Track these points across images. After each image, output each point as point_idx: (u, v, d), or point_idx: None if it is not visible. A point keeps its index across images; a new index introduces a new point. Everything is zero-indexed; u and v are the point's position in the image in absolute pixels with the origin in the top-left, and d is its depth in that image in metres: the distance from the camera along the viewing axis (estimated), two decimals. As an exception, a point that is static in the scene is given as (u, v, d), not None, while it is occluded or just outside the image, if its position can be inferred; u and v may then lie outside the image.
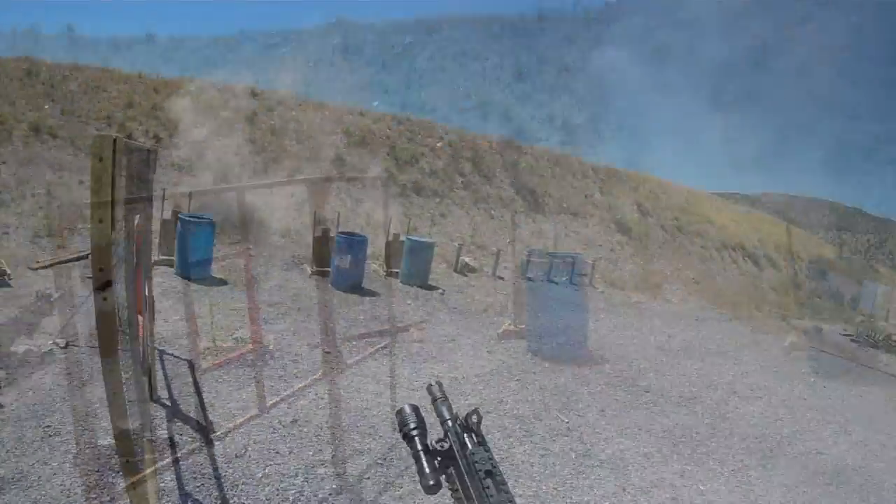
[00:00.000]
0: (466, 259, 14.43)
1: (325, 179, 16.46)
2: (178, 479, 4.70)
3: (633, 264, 18.93)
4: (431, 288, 12.14)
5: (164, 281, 10.00)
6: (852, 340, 17.15)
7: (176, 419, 5.63)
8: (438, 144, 19.73)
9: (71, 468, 4.66)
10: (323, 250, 11.70)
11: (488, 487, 0.79)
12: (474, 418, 0.90)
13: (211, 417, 5.72)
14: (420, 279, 12.25)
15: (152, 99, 16.52)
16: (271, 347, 7.59)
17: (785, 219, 33.14)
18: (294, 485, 4.72)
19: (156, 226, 11.14)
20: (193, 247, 10.37)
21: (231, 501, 4.48)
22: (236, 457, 5.06)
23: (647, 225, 21.60)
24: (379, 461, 5.22)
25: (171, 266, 10.61)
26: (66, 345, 6.41)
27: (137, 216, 4.52)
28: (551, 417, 6.67)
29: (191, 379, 6.49)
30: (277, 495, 4.58)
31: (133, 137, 13.55)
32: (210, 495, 4.54)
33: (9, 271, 8.70)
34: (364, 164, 17.51)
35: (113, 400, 2.00)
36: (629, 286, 16.96)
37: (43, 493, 4.31)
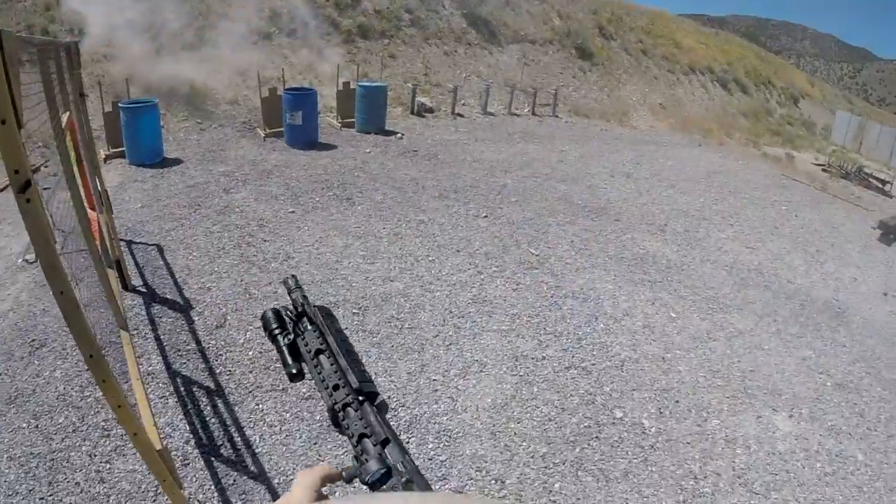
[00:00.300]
0: (422, 100, 13.96)
1: (265, 37, 15.81)
2: (165, 358, 4.86)
3: (597, 91, 18.36)
4: (389, 133, 11.90)
5: (120, 172, 9.84)
6: (824, 170, 17.02)
7: (154, 303, 5.72)
8: (378, -19, 18.63)
9: (62, 375, 4.79)
10: (272, 111, 11.41)
11: (317, 364, 0.88)
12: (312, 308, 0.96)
13: (186, 294, 5.81)
14: (376, 125, 11.98)
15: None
16: (233, 217, 7.55)
17: (755, 42, 31.83)
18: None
19: (100, 120, 10.91)
20: (141, 133, 10.09)
21: (217, 370, 4.65)
22: (217, 327, 5.21)
23: (609, 50, 20.66)
24: (354, 310, 5.33)
25: (124, 157, 10.38)
26: (36, 259, 6.33)
27: (67, 113, 4.37)
28: (521, 251, 6.69)
29: (162, 262, 6.51)
30: (261, 356, 4.72)
31: (56, 37, 12.88)
32: (196, 368, 4.72)
33: None
34: (302, 17, 16.71)
35: (66, 307, 1.98)
36: (594, 114, 16.64)
37: (40, 401, 4.49)
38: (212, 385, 4.51)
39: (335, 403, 0.82)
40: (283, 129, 11.15)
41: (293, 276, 1.07)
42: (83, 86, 5.74)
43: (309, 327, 0.93)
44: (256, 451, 3.86)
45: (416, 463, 0.65)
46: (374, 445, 0.74)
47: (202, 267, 6.31)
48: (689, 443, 4.12)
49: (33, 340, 5.28)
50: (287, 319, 0.95)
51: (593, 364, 4.79)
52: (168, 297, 5.80)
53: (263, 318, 0.97)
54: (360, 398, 0.80)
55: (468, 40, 17.90)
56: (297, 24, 16.11)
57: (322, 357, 0.88)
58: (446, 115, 13.85)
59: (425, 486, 0.68)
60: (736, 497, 3.71)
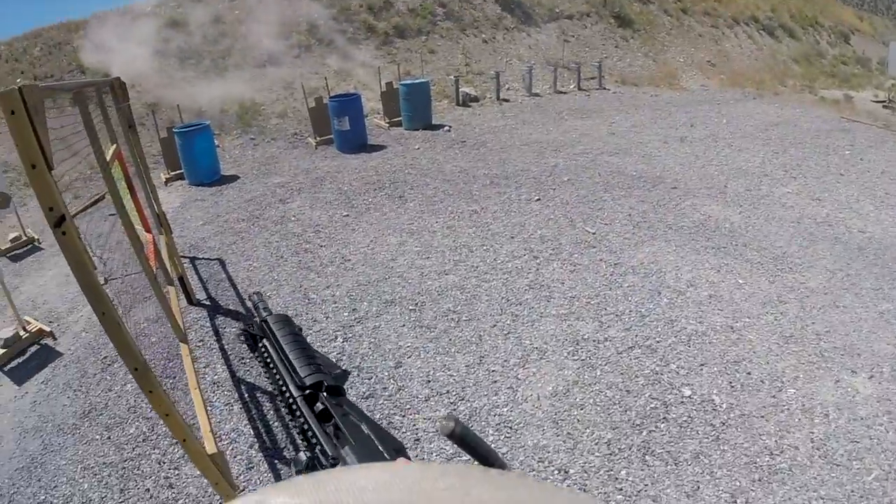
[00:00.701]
0: (466, 89, 13.88)
1: (306, 49, 16.07)
2: (229, 367, 5.02)
3: (642, 58, 17.81)
4: (437, 127, 11.88)
5: (180, 194, 10.22)
6: (884, 107, 15.76)
7: (217, 314, 5.92)
8: (408, -20, 18.61)
9: (132, 388, 5.02)
10: (321, 120, 11.57)
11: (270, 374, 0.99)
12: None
13: (249, 305, 5.93)
14: (423, 121, 11.97)
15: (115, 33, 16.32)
16: (290, 225, 7.69)
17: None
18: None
19: (158, 146, 11.35)
20: (197, 154, 10.44)
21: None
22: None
23: (649, 13, 19.91)
24: (411, 307, 5.34)
25: (184, 178, 10.78)
26: (106, 280, 6.62)
27: (115, 145, 4.59)
28: (576, 231, 6.51)
29: (224, 275, 6.69)
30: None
31: (109, 75, 13.53)
32: (259, 374, 4.81)
33: (37, 237, 9.16)
34: (339, 25, 16.87)
35: (108, 326, 2.12)
36: (642, 81, 16.13)
37: (112, 414, 4.77)
38: (274, 390, 4.57)
39: (285, 406, 0.89)
40: (333, 135, 11.29)
41: (257, 293, 1.18)
42: (132, 117, 5.92)
43: (264, 341, 1.01)
44: (295, 434, 3.95)
45: None
46: (315, 440, 0.78)
47: (262, 276, 6.47)
48: (763, 416, 3.92)
49: (105, 357, 5.63)
50: (252, 336, 1.04)
51: (658, 341, 4.61)
52: (231, 308, 5.99)
53: (242, 338, 1.09)
54: (306, 393, 0.86)
55: (505, 25, 17.67)
56: (335, 33, 16.31)
57: (271, 366, 0.96)
58: (492, 101, 13.71)
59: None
60: (815, 470, 3.50)
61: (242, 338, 1.07)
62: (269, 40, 15.81)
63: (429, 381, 4.27)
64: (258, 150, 12.09)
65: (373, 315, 5.27)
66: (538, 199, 7.31)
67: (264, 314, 1.06)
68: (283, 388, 0.90)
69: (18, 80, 14.05)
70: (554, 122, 11.78)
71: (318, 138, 11.70)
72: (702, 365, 4.35)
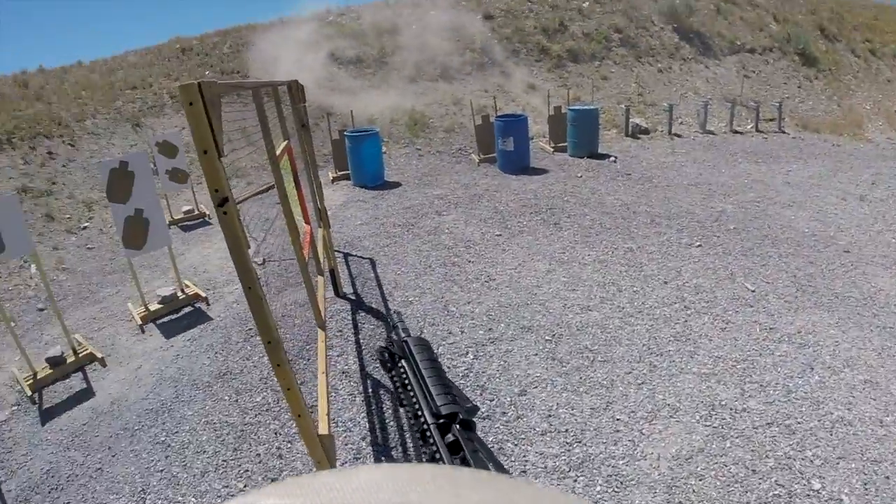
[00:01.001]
0: (637, 120, 13.46)
1: (478, 67, 16.34)
2: (360, 360, 5.25)
3: (826, 101, 16.43)
4: (602, 156, 11.65)
5: (344, 193, 10.74)
6: None
7: (360, 310, 6.19)
8: (585, 4, 18.32)
9: (268, 362, 5.34)
10: (486, 138, 11.73)
11: (405, 396, 1.00)
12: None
13: (390, 305, 6.17)
14: (589, 149, 11.76)
15: (298, 38, 17.59)
16: (443, 237, 7.84)
17: None
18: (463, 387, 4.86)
19: (329, 147, 12.02)
20: (364, 158, 10.92)
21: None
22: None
23: (835, 52, 18.36)
24: (547, 337, 5.25)
25: (349, 179, 11.34)
26: (263, 261, 7.13)
27: (286, 141, 4.92)
28: (735, 286, 6.10)
29: (373, 274, 6.95)
30: (448, 371, 4.82)
31: (290, 76, 14.51)
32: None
33: (208, 213, 10.29)
34: (513, 45, 17.01)
35: (252, 299, 2.30)
36: (824, 128, 14.84)
37: (244, 381, 5.21)
38: (407, 412, 4.67)
39: (416, 431, 0.90)
40: (496, 154, 11.40)
41: (397, 312, 1.20)
42: (306, 117, 6.31)
43: (402, 362, 1.02)
44: (423, 460, 3.95)
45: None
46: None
47: (408, 282, 6.67)
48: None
49: (249, 329, 6.10)
50: (391, 355, 1.06)
51: (799, 423, 4.18)
52: (373, 306, 6.24)
53: (379, 355, 1.08)
54: (439, 422, 0.87)
55: (682, 55, 17.06)
56: (508, 52, 16.47)
57: (409, 388, 0.97)
58: (662, 135, 13.21)
59: None
60: None
61: (381, 354, 1.07)
62: (443, 55, 16.24)
63: (549, 416, 4.19)
64: (422, 161, 12.45)
65: (507, 338, 5.25)
66: (699, 245, 6.98)
67: (403, 335, 1.09)
68: (419, 413, 0.91)
69: (206, 73, 15.37)
70: (726, 163, 11.18)
71: (481, 156, 11.87)
72: (840, 458, 3.86)
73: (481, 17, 17.74)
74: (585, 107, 12.03)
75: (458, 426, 0.85)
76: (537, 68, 16.36)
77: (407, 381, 0.99)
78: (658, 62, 16.71)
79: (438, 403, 0.89)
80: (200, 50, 17.28)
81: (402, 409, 1.01)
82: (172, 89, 15.07)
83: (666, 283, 6.07)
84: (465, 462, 0.80)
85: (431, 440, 0.85)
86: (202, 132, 2.01)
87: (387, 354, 1.06)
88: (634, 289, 5.98)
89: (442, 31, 17.13)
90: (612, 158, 11.45)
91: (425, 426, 0.88)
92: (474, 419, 0.90)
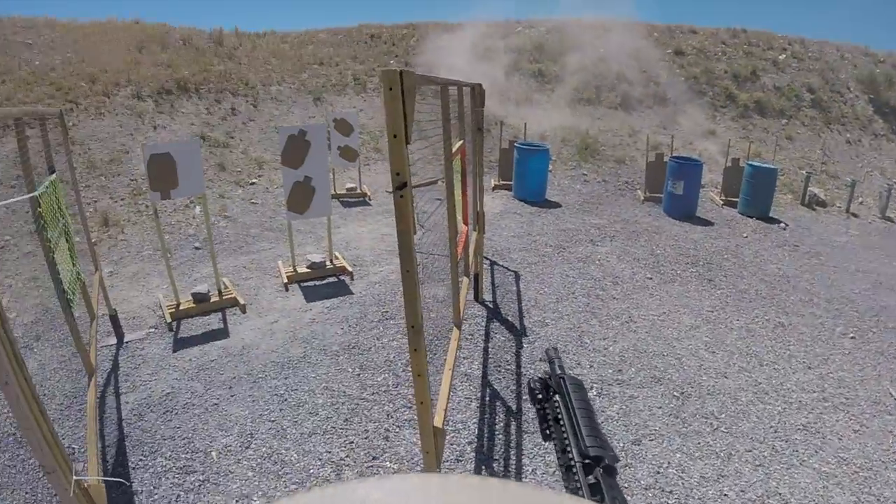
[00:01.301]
0: (815, 190, 12.66)
1: (660, 102, 16.10)
2: (484, 367, 5.45)
3: None
4: (772, 221, 11.14)
5: (503, 202, 11.04)
6: None
7: (494, 319, 6.39)
8: (781, 57, 17.46)
9: (396, 344, 5.78)
10: (655, 176, 11.58)
11: (555, 429, 1.02)
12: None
13: (525, 322, 6.32)
14: (760, 210, 11.26)
15: (485, 44, 17.84)
16: (592, 268, 7.88)
17: None
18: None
19: (496, 155, 12.30)
20: (529, 172, 11.10)
21: (524, 397, 4.97)
22: (540, 360, 5.59)
23: None
24: (675, 394, 5.23)
25: (510, 190, 11.56)
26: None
27: (461, 141, 5.11)
28: (879, 388, 5.65)
29: (515, 288, 7.13)
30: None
31: (470, 77, 14.98)
32: (507, 387, 5.15)
33: (369, 193, 11.00)
34: (700, 86, 16.58)
35: (406, 282, 2.44)
36: None
37: (370, 358, 5.55)
38: (513, 407, 4.89)
39: (562, 464, 0.93)
40: (663, 195, 11.23)
41: (554, 347, 1.22)
42: (483, 121, 6.53)
43: (556, 397, 1.06)
44: (522, 477, 4.11)
45: None
46: None
47: (547, 304, 6.79)
48: None
49: (385, 311, 6.46)
50: (545, 387, 1.10)
51: None
52: (508, 318, 6.42)
53: (528, 384, 1.12)
54: (585, 461, 0.90)
55: (874, 129, 15.84)
56: (694, 93, 16.08)
57: (560, 423, 1.00)
58: (839, 211, 12.37)
59: None
60: None
61: (536, 384, 1.11)
62: (625, 84, 16.13)
63: (658, 473, 4.18)
64: (586, 187, 12.50)
65: (635, 384, 5.26)
66: (853, 337, 6.61)
67: (559, 372, 1.12)
68: (567, 448, 0.94)
69: (391, 62, 16.08)
70: None
71: (647, 193, 11.75)
72: None
73: (671, 52, 17.47)
74: (765, 165, 11.55)
75: (601, 470, 0.89)
76: (720, 114, 15.92)
77: (560, 416, 1.02)
78: (847, 132, 15.72)
79: (587, 444, 0.92)
80: (388, 38, 18.08)
81: (546, 441, 1.05)
82: (357, 71, 15.89)
83: (809, 368, 5.84)
84: None
85: (576, 477, 0.88)
86: (396, 117, 2.14)
87: (542, 384, 1.11)
88: (776, 366, 5.79)
89: (629, 60, 17.02)
90: (783, 225, 10.96)
91: (572, 462, 0.92)
92: (616, 467, 0.94)
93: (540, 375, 1.11)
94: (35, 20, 14.55)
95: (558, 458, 0.95)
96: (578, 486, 0.87)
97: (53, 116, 5.41)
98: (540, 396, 1.09)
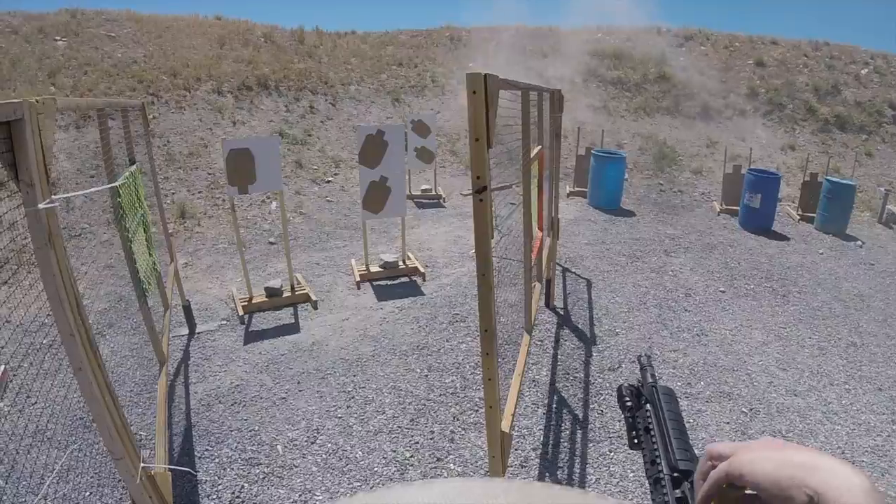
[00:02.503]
0: (893, 208, 12.22)
1: (740, 113, 15.91)
2: (552, 374, 5.57)
3: None
4: (849, 238, 10.94)
5: (577, 209, 11.18)
6: None
7: (564, 326, 6.53)
8: (863, 71, 16.97)
9: (466, 347, 5.94)
10: (732, 188, 11.53)
11: (645, 439, 1.01)
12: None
13: (595, 331, 6.45)
14: (837, 227, 11.09)
15: (564, 49, 17.99)
16: (665, 278, 7.98)
17: None
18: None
19: (572, 161, 12.39)
20: (605, 180, 11.21)
21: (591, 405, 5.11)
22: (609, 370, 5.71)
23: None
24: (743, 409, 5.31)
25: (585, 197, 11.66)
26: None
27: (540, 147, 5.19)
28: None
29: (586, 296, 7.29)
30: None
31: (549, 83, 15.15)
32: (575, 395, 5.27)
33: (444, 196, 11.34)
34: (780, 98, 16.27)
35: (482, 286, 2.46)
36: None
37: (439, 360, 5.68)
38: (580, 415, 4.96)
39: (650, 476, 0.92)
40: (739, 208, 11.17)
41: (647, 354, 1.22)
42: (561, 127, 6.64)
43: (647, 405, 1.04)
44: (586, 486, 4.13)
45: None
46: None
47: (619, 313, 6.90)
48: None
49: (456, 314, 6.61)
50: (635, 394, 1.07)
51: None
52: (579, 326, 6.53)
53: (618, 390, 1.11)
54: (674, 474, 0.88)
55: None
56: (774, 105, 15.82)
57: (651, 433, 0.99)
58: None
59: None
60: None
61: (626, 391, 1.08)
62: (705, 94, 16.01)
63: (722, 490, 4.26)
64: (662, 197, 12.52)
65: (704, 398, 5.34)
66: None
67: (651, 380, 1.10)
68: (657, 460, 0.93)
69: (471, 65, 16.30)
70: None
71: (723, 205, 11.73)
72: None
73: (752, 63, 17.23)
74: (844, 181, 11.34)
75: (689, 484, 0.85)
76: (800, 128, 15.62)
77: (650, 426, 1.01)
78: (930, 150, 15.24)
79: (678, 457, 0.90)
80: (468, 42, 18.31)
81: (632, 450, 1.03)
82: (436, 73, 16.14)
83: (881, 390, 5.83)
84: None
85: (664, 490, 0.86)
86: (479, 120, 2.14)
87: (633, 391, 1.08)
88: (847, 386, 5.81)
89: (709, 70, 16.89)
90: (860, 243, 10.76)
91: (661, 474, 0.89)
92: None
93: (631, 382, 1.09)
94: (118, 13, 15.18)
95: (646, 470, 0.93)
96: (666, 499, 0.85)
97: (135, 108, 5.52)
98: (630, 404, 1.06)
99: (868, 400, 5.61)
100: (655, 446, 0.95)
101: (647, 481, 0.91)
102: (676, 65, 17.24)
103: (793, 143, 15.07)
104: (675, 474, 0.88)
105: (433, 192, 11.47)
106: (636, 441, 1.01)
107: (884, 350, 6.65)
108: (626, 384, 1.08)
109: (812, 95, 16.25)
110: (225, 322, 6.30)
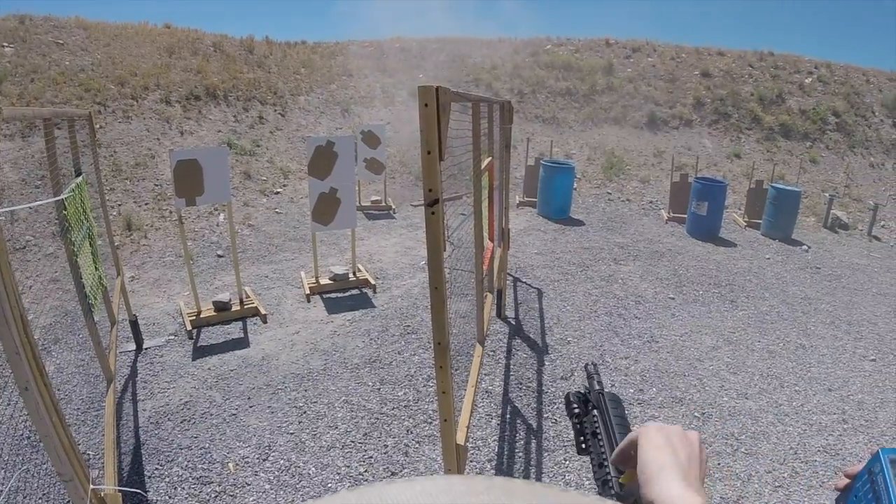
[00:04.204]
0: (838, 213, 12.65)
1: (686, 123, 16.17)
2: (505, 384, 5.49)
3: None
4: (795, 243, 11.15)
5: (527, 219, 11.18)
6: None
7: (517, 336, 6.46)
8: (807, 80, 17.46)
9: (418, 359, 5.83)
10: (679, 197, 11.66)
11: (592, 444, 1.02)
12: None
13: (547, 340, 6.39)
14: (783, 232, 11.31)
15: (514, 60, 17.94)
16: (615, 287, 7.96)
17: None
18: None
19: (522, 171, 12.40)
20: (554, 190, 11.22)
21: (545, 415, 5.04)
22: (562, 378, 5.64)
23: None
24: (696, 414, 5.28)
25: (534, 207, 11.68)
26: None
27: (490, 158, 5.14)
28: None
29: (538, 305, 7.22)
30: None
31: (498, 94, 15.14)
32: (528, 405, 5.19)
33: (394, 207, 11.18)
34: (725, 108, 16.59)
35: (435, 299, 2.41)
36: None
37: (391, 373, 5.56)
38: (534, 425, 4.91)
39: (598, 478, 0.94)
40: (686, 215, 11.29)
41: (594, 363, 1.22)
42: (511, 138, 6.61)
43: (594, 411, 1.06)
44: None
45: None
46: None
47: (570, 322, 6.85)
48: None
49: (407, 326, 6.49)
50: (583, 401, 1.09)
51: None
52: (530, 335, 6.48)
53: (566, 397, 1.12)
54: (619, 476, 0.89)
55: None
56: (719, 115, 16.14)
57: (598, 437, 1.01)
58: (861, 234, 12.31)
59: None
60: None
61: (574, 398, 1.10)
62: (652, 105, 16.25)
63: (679, 494, 4.21)
64: (610, 206, 12.60)
65: (656, 404, 5.30)
66: (873, 360, 6.63)
67: (598, 387, 1.13)
68: (604, 462, 0.94)
69: (420, 76, 16.30)
70: None
71: (671, 213, 11.84)
72: None
73: (699, 74, 17.54)
74: (789, 187, 11.57)
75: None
76: (746, 136, 15.94)
77: (598, 431, 1.03)
78: (871, 156, 15.70)
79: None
80: (418, 53, 18.32)
81: (581, 455, 1.05)
82: (385, 84, 16.08)
83: (830, 390, 5.87)
84: None
85: (612, 491, 0.88)
86: (430, 133, 2.11)
87: (580, 398, 1.10)
88: (797, 388, 5.83)
89: (656, 81, 17.14)
90: (805, 247, 10.96)
91: (608, 476, 0.91)
92: None
93: (578, 389, 1.13)
94: (66, 20, 14.70)
95: (594, 473, 0.96)
96: (615, 500, 0.82)
97: (82, 118, 5.42)
98: (577, 410, 1.08)
99: (818, 400, 5.63)
100: (603, 449, 0.97)
101: (595, 484, 0.93)
102: (624, 76, 17.46)
103: (738, 151, 15.35)
104: (622, 475, 0.89)
105: (383, 203, 11.37)
106: (584, 446, 1.03)
107: (832, 351, 6.71)
108: (573, 392, 1.11)
109: (757, 104, 16.61)
110: (173, 337, 6.11)
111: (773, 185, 11.70)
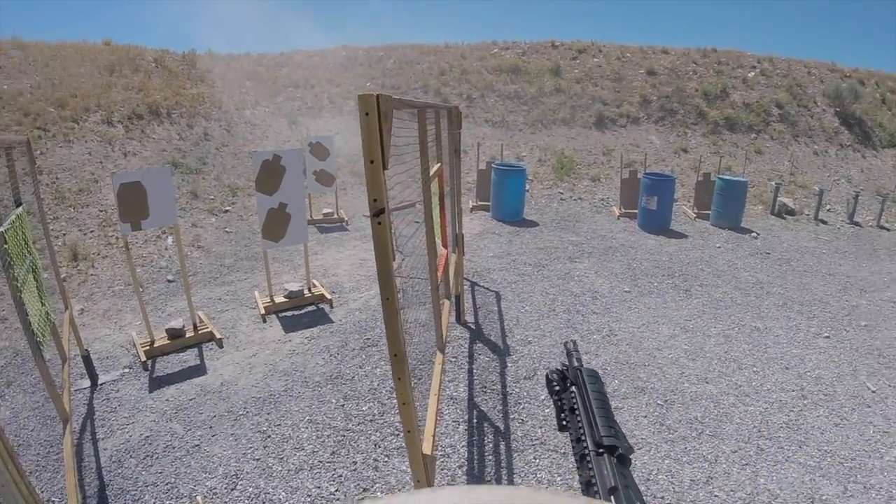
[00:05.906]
0: (785, 200, 13.05)
1: (633, 121, 16.42)
2: (469, 389, 5.42)
3: None
4: (744, 231, 11.42)
5: (481, 223, 11.17)
6: None
7: (478, 340, 6.40)
8: (750, 74, 17.94)
9: (380, 371, 5.73)
10: (630, 193, 11.81)
11: (571, 419, 1.02)
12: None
13: (508, 342, 6.36)
14: (732, 221, 11.60)
15: (462, 65, 18.04)
16: (571, 284, 8.00)
17: None
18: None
19: (474, 176, 12.40)
20: (507, 193, 11.26)
21: (512, 416, 5.00)
22: (525, 378, 5.60)
23: None
24: (659, 402, 5.32)
25: (488, 210, 11.70)
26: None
27: (439, 164, 5.12)
28: (856, 384, 5.82)
29: (496, 308, 7.19)
30: (553, 421, 4.95)
31: (446, 100, 15.17)
32: (494, 408, 5.14)
33: (346, 219, 11.10)
34: (671, 104, 16.91)
35: (387, 310, 2.38)
36: None
37: (354, 388, 5.45)
38: (501, 427, 4.85)
39: (576, 453, 0.93)
40: (638, 211, 11.45)
41: (573, 340, 1.24)
42: (460, 143, 6.58)
43: (573, 387, 1.06)
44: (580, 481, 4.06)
45: None
46: (597, 492, 0.84)
47: (529, 322, 6.83)
48: None
49: (367, 339, 6.38)
50: (563, 379, 1.10)
51: None
52: (491, 339, 6.41)
53: (547, 376, 1.13)
54: (600, 450, 0.89)
55: (840, 140, 16.33)
56: (665, 112, 16.43)
57: (576, 413, 1.01)
58: (808, 219, 12.69)
59: None
60: None
61: (554, 375, 1.11)
62: (599, 105, 16.47)
63: (648, 480, 4.23)
64: (563, 205, 12.69)
65: (619, 395, 5.31)
66: (826, 337, 6.78)
67: (577, 364, 1.13)
68: (581, 437, 0.94)
69: (368, 84, 16.26)
70: (868, 258, 10.55)
71: (622, 210, 11.99)
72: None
73: (644, 72, 17.83)
74: (735, 178, 11.88)
75: (615, 458, 0.88)
76: (692, 131, 16.23)
77: (576, 407, 1.02)
78: (815, 144, 16.18)
79: (602, 434, 0.92)
80: (365, 61, 18.26)
81: (561, 433, 1.09)
82: (333, 94, 15.97)
83: (787, 368, 5.97)
84: (613, 492, 0.83)
85: (589, 465, 0.88)
86: (372, 142, 2.08)
87: (559, 375, 1.11)
88: (755, 369, 5.91)
89: (603, 81, 17.37)
90: (754, 234, 11.21)
91: (586, 450, 0.91)
92: (630, 458, 0.94)
93: (557, 367, 1.13)
94: (3, 41, 14.13)
95: (573, 448, 0.95)
96: (592, 474, 0.87)
97: (20, 145, 5.12)
98: (557, 388, 1.09)
99: (777, 379, 5.72)
100: (581, 425, 0.97)
101: (573, 458, 0.92)
102: (571, 77, 17.66)
103: (685, 146, 15.64)
104: (601, 450, 0.90)
105: (335, 216, 11.24)
106: (564, 423, 1.04)
107: (786, 332, 6.84)
108: (552, 369, 1.12)
109: (702, 100, 16.94)
110: (128, 370, 5.85)
111: (721, 176, 11.97)
